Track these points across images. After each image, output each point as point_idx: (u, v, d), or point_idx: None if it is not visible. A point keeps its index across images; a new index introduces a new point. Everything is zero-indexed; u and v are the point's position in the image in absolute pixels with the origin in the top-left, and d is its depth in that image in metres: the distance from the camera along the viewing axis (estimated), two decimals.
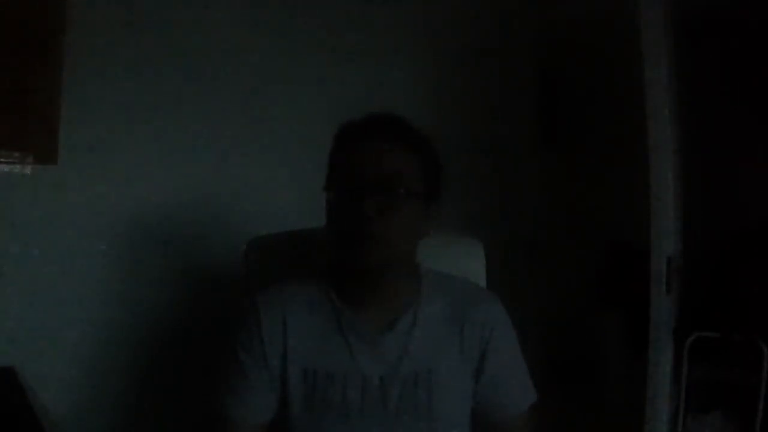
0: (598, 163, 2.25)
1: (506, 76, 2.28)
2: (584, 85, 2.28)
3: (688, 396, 1.76)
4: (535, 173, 2.32)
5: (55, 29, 1.64)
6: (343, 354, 1.19)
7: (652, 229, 1.76)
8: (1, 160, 1.60)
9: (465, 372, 1.23)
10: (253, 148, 1.88)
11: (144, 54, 1.75)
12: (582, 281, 2.24)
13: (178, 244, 1.80)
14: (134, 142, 1.75)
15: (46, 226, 1.66)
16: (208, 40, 1.82)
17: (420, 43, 2.11)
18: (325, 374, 1.19)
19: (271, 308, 1.22)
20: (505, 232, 2.13)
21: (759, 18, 1.76)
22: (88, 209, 1.71)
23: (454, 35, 2.16)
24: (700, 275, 1.83)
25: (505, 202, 2.24)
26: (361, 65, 2.02)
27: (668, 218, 1.76)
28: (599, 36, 2.15)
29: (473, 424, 1.27)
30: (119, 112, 1.73)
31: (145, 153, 1.76)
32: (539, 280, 2.23)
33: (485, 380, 1.23)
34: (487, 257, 1.48)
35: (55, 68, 1.64)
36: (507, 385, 1.25)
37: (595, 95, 2.25)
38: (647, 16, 1.73)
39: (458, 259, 1.44)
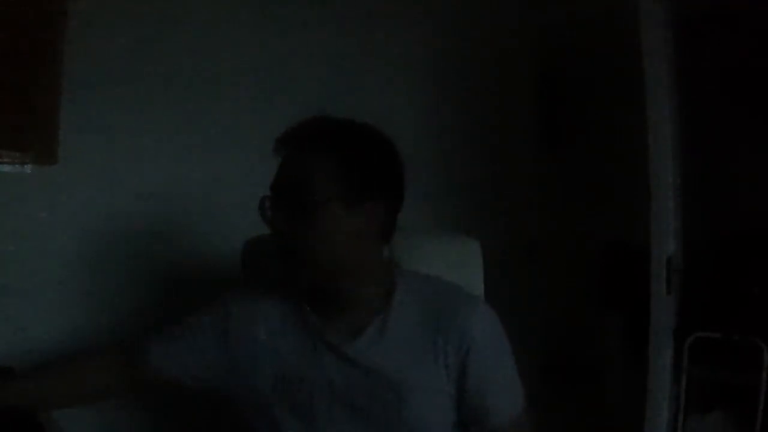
0: (598, 163, 2.25)
1: (506, 77, 2.28)
2: (584, 86, 2.28)
3: (688, 396, 1.76)
4: (535, 173, 2.32)
5: (55, 29, 1.63)
6: (311, 359, 1.16)
7: (652, 229, 1.76)
8: (1, 160, 1.61)
9: (441, 380, 1.15)
10: (253, 149, 1.88)
11: (144, 54, 1.75)
12: (582, 281, 2.24)
13: (177, 245, 1.80)
14: (134, 143, 1.75)
15: (46, 226, 1.66)
16: (208, 40, 1.82)
17: (421, 45, 2.11)
18: (293, 379, 1.16)
19: (242, 306, 1.22)
20: (505, 232, 2.13)
21: (759, 17, 1.76)
22: (87, 209, 1.71)
23: (454, 37, 2.16)
24: (700, 275, 1.83)
25: (505, 202, 2.24)
26: (362, 66, 2.02)
27: (668, 218, 1.76)
28: (599, 37, 2.15)
29: None
30: (119, 112, 1.73)
31: (144, 153, 1.76)
32: (539, 281, 2.23)
33: (470, 389, 1.15)
34: (485, 257, 1.47)
35: (55, 68, 1.64)
36: (492, 393, 1.17)
37: (594, 95, 2.25)
38: (647, 16, 1.73)
39: (456, 260, 1.44)
